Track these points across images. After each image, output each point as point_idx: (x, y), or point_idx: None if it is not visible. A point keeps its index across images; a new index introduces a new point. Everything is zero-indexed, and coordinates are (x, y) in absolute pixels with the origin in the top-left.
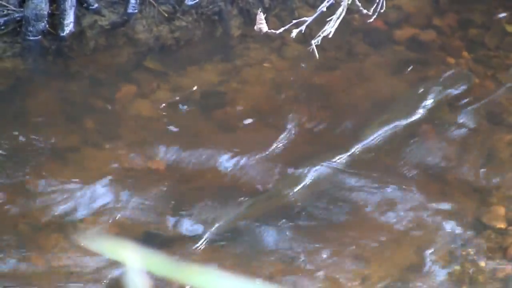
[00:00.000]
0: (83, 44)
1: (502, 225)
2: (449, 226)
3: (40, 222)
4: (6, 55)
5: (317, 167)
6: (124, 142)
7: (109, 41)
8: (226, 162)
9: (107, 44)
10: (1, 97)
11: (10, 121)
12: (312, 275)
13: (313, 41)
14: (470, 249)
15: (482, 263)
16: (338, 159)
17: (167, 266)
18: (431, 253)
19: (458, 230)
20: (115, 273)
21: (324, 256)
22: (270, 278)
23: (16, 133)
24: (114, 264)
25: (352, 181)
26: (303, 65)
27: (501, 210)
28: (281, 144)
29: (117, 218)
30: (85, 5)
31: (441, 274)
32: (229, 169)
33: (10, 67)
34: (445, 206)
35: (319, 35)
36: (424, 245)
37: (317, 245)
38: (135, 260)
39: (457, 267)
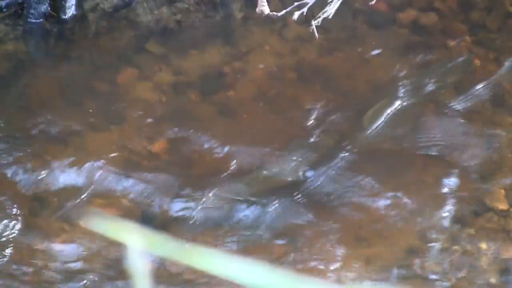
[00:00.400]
0: (85, 27)
1: (504, 206)
2: (451, 208)
3: (42, 205)
4: (8, 38)
5: (320, 150)
6: (125, 125)
7: (110, 24)
8: (227, 145)
9: (108, 27)
10: (3, 80)
11: (12, 104)
12: (315, 257)
13: (313, 21)
14: (471, 231)
15: (484, 245)
16: (340, 142)
17: (169, 247)
18: (432, 235)
19: (460, 211)
20: (117, 254)
21: (327, 238)
22: (272, 259)
23: (18, 116)
24: (116, 245)
25: (355, 163)
26: (305, 47)
27: (503, 192)
28: (283, 127)
29: (119, 200)
30: None
31: (442, 256)
32: (230, 153)
33: (12, 49)
34: (447, 188)
35: (320, 16)
36: (425, 227)
37: (320, 228)
38: (136, 241)
39: (458, 249)
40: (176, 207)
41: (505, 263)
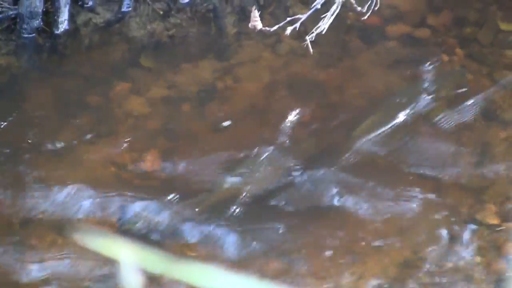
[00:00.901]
0: (78, 41)
1: (495, 221)
2: (443, 223)
3: (35, 219)
4: (1, 52)
5: (312, 165)
6: (118, 139)
7: (103, 38)
8: (220, 160)
9: (101, 42)
10: None
11: (5, 118)
12: (307, 272)
13: (307, 37)
14: (464, 246)
15: (477, 259)
16: (332, 156)
17: (161, 263)
18: (425, 250)
19: (452, 227)
20: (109, 269)
21: (320, 253)
22: (263, 274)
23: (11, 130)
24: (108, 260)
25: (346, 178)
26: (297, 62)
27: (495, 207)
28: (275, 141)
29: (111, 215)
30: (79, 3)
31: (435, 271)
32: (223, 167)
33: (4, 64)
34: (439, 203)
35: (313, 31)
36: (418, 242)
37: (311, 243)
38: (128, 257)
39: (451, 264)
40: (169, 223)
41: (496, 277)
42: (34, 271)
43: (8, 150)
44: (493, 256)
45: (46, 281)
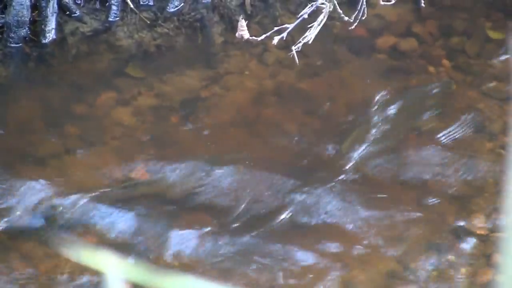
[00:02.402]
0: (65, 51)
1: (483, 231)
2: (430, 233)
3: (19, 230)
4: None
5: (298, 176)
6: (105, 149)
7: (90, 48)
8: (207, 170)
9: (88, 51)
10: None
11: None
12: (295, 283)
13: (293, 47)
14: (451, 256)
15: (463, 270)
16: (318, 167)
17: (147, 276)
18: (412, 261)
19: (440, 237)
20: (95, 282)
21: (307, 264)
22: (251, 285)
23: None
24: (94, 273)
25: (333, 189)
26: (284, 72)
27: (482, 217)
28: (262, 151)
29: (96, 227)
30: (67, 12)
31: (422, 282)
32: (209, 178)
33: None
34: (426, 214)
35: (300, 41)
36: (406, 252)
37: (298, 254)
38: (114, 270)
39: (438, 275)
40: (156, 234)
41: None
42: (21, 283)
43: None
44: (480, 266)
45: None
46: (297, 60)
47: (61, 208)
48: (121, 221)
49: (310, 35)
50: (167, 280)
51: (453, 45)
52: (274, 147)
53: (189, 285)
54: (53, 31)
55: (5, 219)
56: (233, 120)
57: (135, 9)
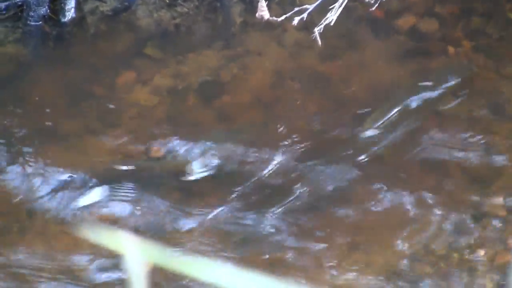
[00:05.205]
0: (84, 30)
1: (502, 213)
2: (449, 215)
3: (40, 209)
4: (7, 40)
5: (318, 156)
6: (123, 129)
7: (110, 27)
8: (224, 150)
9: (108, 30)
10: (2, 83)
11: (11, 107)
12: (311, 264)
13: (316, 29)
14: (470, 237)
15: (482, 252)
16: (338, 148)
17: (165, 256)
18: (431, 242)
19: (458, 219)
20: (114, 263)
21: (324, 243)
22: (266, 266)
23: (17, 118)
24: (113, 254)
25: (353, 169)
26: (304, 53)
27: (501, 199)
28: (280, 132)
29: (114, 206)
30: None
31: (440, 263)
32: (227, 158)
33: (11, 52)
34: (445, 195)
35: (322, 23)
36: (424, 234)
37: (315, 233)
38: (133, 250)
39: (457, 256)
40: (173, 215)
41: (502, 270)
42: (39, 261)
43: (13, 139)
44: (500, 247)
45: (50, 272)
46: (319, 42)
47: (79, 186)
48: (139, 200)
49: (332, 16)
50: (185, 261)
51: (474, 26)
52: (292, 127)
53: (207, 265)
54: (73, 10)
55: (25, 197)
56: (251, 100)
57: None
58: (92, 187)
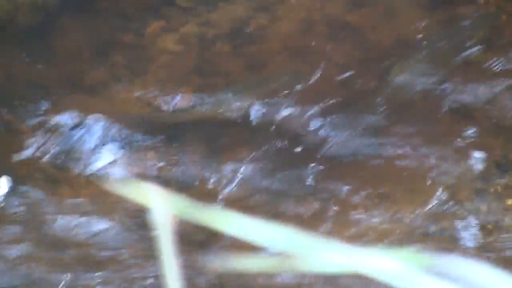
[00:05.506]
0: None
1: None
2: (476, 164)
3: (66, 161)
4: None
5: (345, 107)
6: (152, 78)
7: None
8: (252, 101)
9: None
10: (31, 32)
11: (39, 56)
12: (341, 215)
13: None
14: (497, 187)
15: (510, 202)
16: (366, 97)
17: (194, 209)
18: (457, 192)
19: (486, 168)
20: (141, 215)
21: (351, 199)
22: (296, 220)
23: (45, 67)
24: (140, 206)
25: (381, 118)
26: (333, 2)
27: None
28: (309, 82)
29: (143, 155)
30: None
31: (467, 213)
32: (256, 110)
33: (39, 1)
34: (473, 144)
35: None
36: (450, 183)
37: (344, 188)
38: (161, 203)
39: (484, 206)
40: (202, 167)
41: None
42: (66, 218)
43: (42, 88)
44: None
45: (76, 228)
46: None
47: (107, 137)
48: (166, 152)
49: None
50: (213, 214)
51: None
52: (321, 77)
53: (235, 219)
54: None
55: (51, 150)
56: (281, 49)
57: None
58: (118, 138)
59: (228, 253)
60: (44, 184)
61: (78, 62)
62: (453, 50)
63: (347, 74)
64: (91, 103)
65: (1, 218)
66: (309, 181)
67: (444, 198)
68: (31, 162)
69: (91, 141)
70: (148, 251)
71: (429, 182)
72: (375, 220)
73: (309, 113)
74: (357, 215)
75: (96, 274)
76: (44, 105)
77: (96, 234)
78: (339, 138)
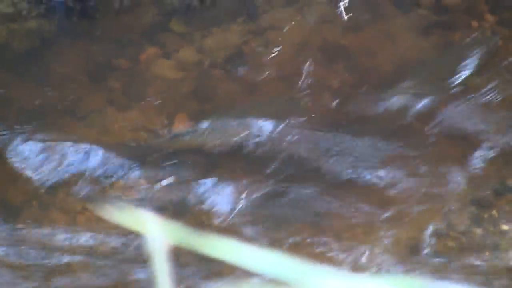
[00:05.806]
0: (108, 4)
1: None
2: (472, 188)
3: (61, 185)
4: (31, 15)
5: (341, 129)
6: (148, 103)
7: (134, 2)
8: (250, 124)
9: (132, 5)
10: (27, 58)
11: (35, 82)
12: (339, 239)
13: (341, 3)
14: (493, 212)
15: (505, 227)
16: (361, 122)
17: (187, 235)
18: (453, 216)
19: (481, 192)
20: (136, 242)
21: (349, 219)
22: (293, 244)
23: (41, 93)
24: (135, 233)
25: (377, 145)
26: (328, 27)
27: None
28: (304, 106)
29: (137, 182)
30: None
31: (463, 237)
32: (252, 132)
33: (35, 27)
34: (469, 168)
35: None
36: (446, 207)
37: (343, 208)
38: (155, 229)
39: (479, 231)
40: (199, 191)
41: None
42: (59, 241)
43: (37, 114)
44: None
45: (71, 251)
46: (345, 16)
47: (101, 161)
48: (162, 177)
49: None
50: (209, 241)
51: None
52: (316, 101)
53: (231, 245)
54: None
55: (47, 174)
56: (275, 74)
57: None
58: (114, 164)
59: (223, 279)
60: (38, 210)
61: (74, 87)
62: (449, 74)
63: (342, 98)
64: (87, 129)
65: None
66: (305, 207)
67: (439, 222)
68: (26, 188)
69: (87, 167)
70: (144, 281)
71: (424, 206)
72: (370, 245)
73: (304, 138)
74: (351, 241)
75: None
76: (40, 131)
77: (92, 264)
78: (335, 164)
